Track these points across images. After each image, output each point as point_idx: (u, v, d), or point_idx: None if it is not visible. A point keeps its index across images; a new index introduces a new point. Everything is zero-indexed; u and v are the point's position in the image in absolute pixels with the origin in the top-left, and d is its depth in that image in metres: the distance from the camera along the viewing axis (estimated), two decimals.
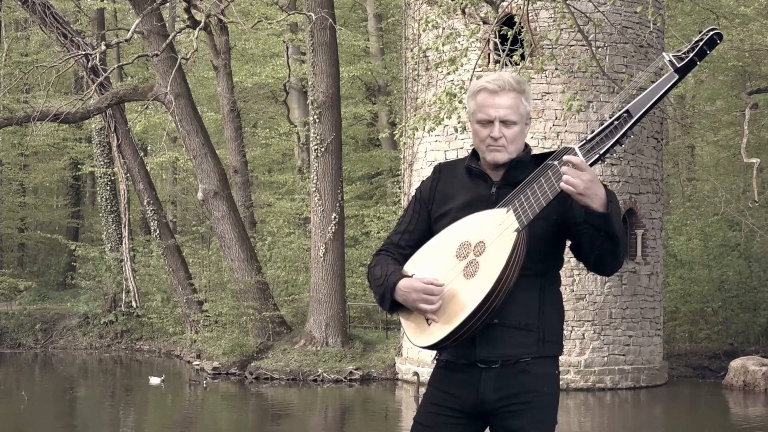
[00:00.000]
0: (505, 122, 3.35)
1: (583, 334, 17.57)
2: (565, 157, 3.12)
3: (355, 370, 19.17)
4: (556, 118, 17.44)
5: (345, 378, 18.89)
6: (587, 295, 17.50)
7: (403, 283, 3.34)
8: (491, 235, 3.25)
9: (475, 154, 3.47)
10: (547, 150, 3.50)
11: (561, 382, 3.52)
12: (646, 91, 3.17)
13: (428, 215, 3.50)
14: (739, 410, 16.78)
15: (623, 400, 17.12)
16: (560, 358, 3.46)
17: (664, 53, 3.20)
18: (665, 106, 21.23)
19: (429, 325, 3.30)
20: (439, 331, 3.26)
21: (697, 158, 33.12)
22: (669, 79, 3.16)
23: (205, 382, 18.53)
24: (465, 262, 3.28)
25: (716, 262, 23.06)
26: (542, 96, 17.36)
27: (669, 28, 19.61)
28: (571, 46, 16.17)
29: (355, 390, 18.25)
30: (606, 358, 17.71)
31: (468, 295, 3.22)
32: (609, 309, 17.69)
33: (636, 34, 17.74)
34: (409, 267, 3.41)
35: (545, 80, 17.05)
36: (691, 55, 3.13)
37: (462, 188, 3.45)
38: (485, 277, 3.21)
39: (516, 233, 3.21)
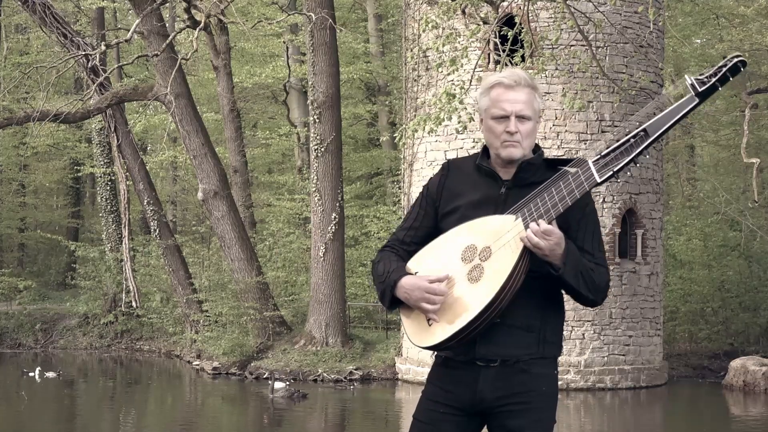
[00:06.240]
0: (520, 117, 3.34)
1: (583, 334, 17.57)
2: (533, 226, 3.16)
3: (355, 370, 19.17)
4: (556, 118, 17.44)
5: (345, 378, 18.89)
6: None
7: (406, 281, 3.32)
8: (498, 242, 3.25)
9: (485, 152, 3.44)
10: (548, 149, 3.51)
11: (561, 382, 3.53)
12: (665, 111, 3.17)
13: (435, 212, 3.47)
14: (739, 410, 16.77)
15: (623, 400, 17.12)
16: (560, 358, 3.47)
17: (686, 76, 3.19)
18: (665, 106, 21.21)
19: (430, 325, 3.29)
20: (441, 332, 3.26)
21: (697, 158, 33.12)
22: (689, 102, 3.15)
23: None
24: (470, 266, 3.27)
25: (716, 262, 23.05)
26: (542, 96, 17.35)
27: (669, 29, 19.60)
28: (571, 46, 16.17)
29: (355, 390, 18.24)
30: (606, 358, 17.72)
31: (471, 299, 3.22)
32: (609, 309, 17.69)
33: (636, 34, 17.75)
34: (412, 264, 3.39)
35: (545, 80, 17.04)
36: (714, 80, 3.13)
37: (471, 186, 3.42)
38: (490, 283, 3.21)
39: (523, 243, 3.22)
